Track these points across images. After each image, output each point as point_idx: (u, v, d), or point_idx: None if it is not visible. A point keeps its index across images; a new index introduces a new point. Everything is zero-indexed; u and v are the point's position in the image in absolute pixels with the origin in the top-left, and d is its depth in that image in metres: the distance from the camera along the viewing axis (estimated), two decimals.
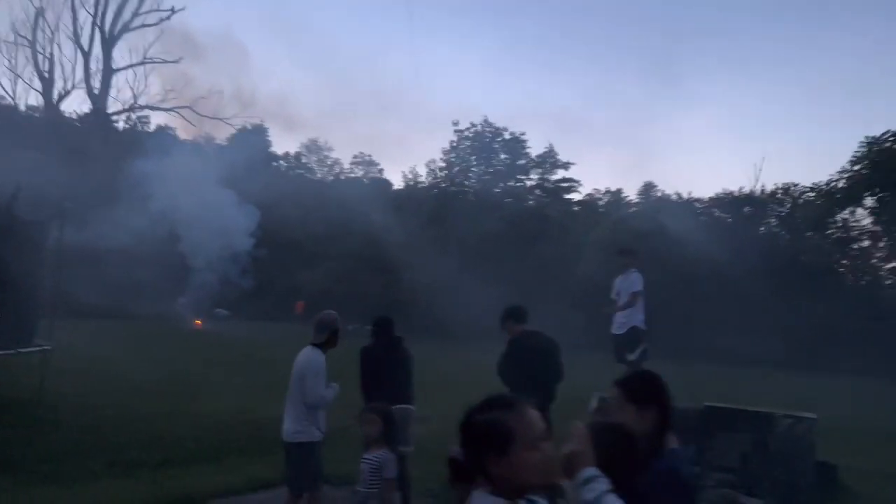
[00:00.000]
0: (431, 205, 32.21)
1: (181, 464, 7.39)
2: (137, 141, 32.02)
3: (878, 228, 21.10)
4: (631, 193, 43.12)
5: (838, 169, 19.98)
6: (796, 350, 20.36)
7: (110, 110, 38.03)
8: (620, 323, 8.21)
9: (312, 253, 29.95)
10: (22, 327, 9.74)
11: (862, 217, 21.72)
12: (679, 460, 2.54)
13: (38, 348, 9.88)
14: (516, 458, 1.67)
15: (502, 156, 47.16)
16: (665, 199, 34.99)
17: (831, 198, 20.51)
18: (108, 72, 37.37)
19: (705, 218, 28.70)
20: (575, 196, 45.52)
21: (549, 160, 47.42)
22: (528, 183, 47.59)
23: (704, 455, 7.83)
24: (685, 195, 32.48)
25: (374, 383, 5.87)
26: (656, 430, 2.58)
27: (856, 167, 18.77)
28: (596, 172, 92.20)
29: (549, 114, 71.97)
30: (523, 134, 47.17)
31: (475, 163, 46.82)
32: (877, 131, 19.07)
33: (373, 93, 62.06)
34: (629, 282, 8.21)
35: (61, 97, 37.32)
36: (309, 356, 5.33)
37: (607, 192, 45.63)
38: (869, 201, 19.70)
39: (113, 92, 38.03)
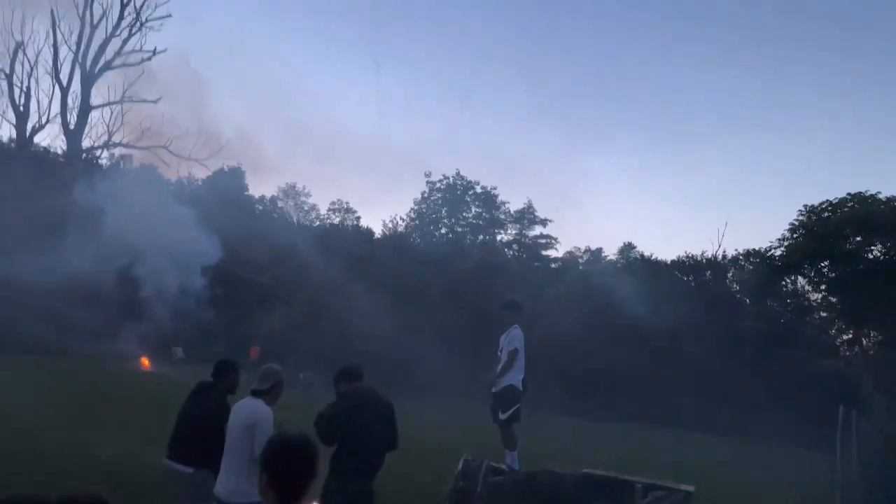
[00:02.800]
0: (392, 256, 32.14)
1: None
2: (121, 176, 31.90)
3: (819, 297, 20.98)
4: (610, 253, 43.30)
5: (778, 236, 19.87)
6: (740, 417, 20.08)
7: (85, 146, 38.14)
8: (498, 381, 7.94)
9: (272, 297, 29.63)
10: None
11: (802, 285, 21.67)
12: None
13: None
14: None
15: (474, 209, 47.46)
16: (635, 261, 35.06)
17: (770, 265, 20.47)
18: (86, 109, 37.58)
19: (668, 281, 28.66)
20: (552, 253, 45.79)
21: (527, 216, 47.77)
22: (505, 238, 47.82)
23: None
24: (649, 256, 32.66)
25: (175, 438, 5.37)
26: (277, 499, 2.43)
27: (794, 235, 18.80)
28: (574, 231, 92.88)
29: (523, 171, 73.50)
30: (495, 188, 47.69)
31: (445, 215, 47.06)
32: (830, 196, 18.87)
33: (350, 140, 62.73)
34: (509, 338, 7.97)
35: (35, 131, 37.35)
36: (256, 407, 4.82)
37: (587, 250, 45.89)
38: (810, 270, 19.65)
39: (87, 129, 38.15)
